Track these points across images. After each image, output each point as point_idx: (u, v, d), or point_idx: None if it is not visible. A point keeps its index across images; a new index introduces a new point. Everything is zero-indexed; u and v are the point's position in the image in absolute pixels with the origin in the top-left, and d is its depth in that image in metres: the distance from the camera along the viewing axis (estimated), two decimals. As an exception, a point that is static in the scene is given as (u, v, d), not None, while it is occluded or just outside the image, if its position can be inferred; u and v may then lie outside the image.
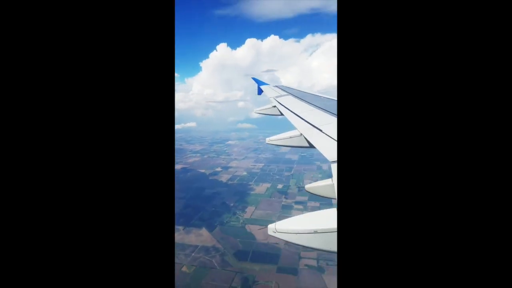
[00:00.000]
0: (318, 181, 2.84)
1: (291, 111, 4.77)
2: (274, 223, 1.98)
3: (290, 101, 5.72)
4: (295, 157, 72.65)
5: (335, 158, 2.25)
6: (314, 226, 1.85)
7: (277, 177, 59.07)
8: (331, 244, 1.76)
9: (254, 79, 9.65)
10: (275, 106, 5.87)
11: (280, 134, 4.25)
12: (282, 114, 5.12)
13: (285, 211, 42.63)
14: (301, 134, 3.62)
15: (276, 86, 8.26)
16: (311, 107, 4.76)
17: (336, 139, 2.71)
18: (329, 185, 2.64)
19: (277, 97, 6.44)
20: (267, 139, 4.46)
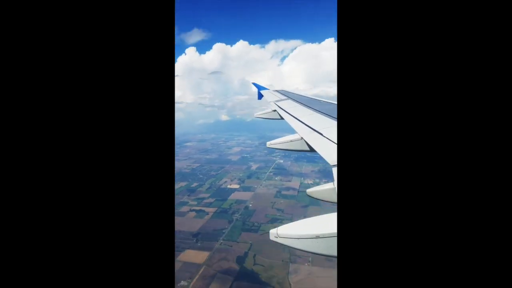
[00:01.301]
0: (320, 185, 2.82)
1: (292, 115, 4.78)
2: (276, 228, 1.96)
3: (290, 105, 5.74)
4: (235, 158, 76.51)
5: (336, 162, 2.24)
6: (316, 231, 1.83)
7: (201, 176, 61.55)
8: (333, 249, 1.74)
9: (254, 84, 9.70)
10: (275, 110, 5.89)
11: (280, 138, 4.25)
12: (282, 118, 5.12)
13: (176, 207, 45.82)
14: (302, 138, 3.62)
15: (276, 90, 8.29)
16: (311, 111, 4.76)
17: (336, 142, 2.70)
18: (330, 189, 2.63)
19: (277, 101, 6.46)
20: (268, 143, 4.46)
